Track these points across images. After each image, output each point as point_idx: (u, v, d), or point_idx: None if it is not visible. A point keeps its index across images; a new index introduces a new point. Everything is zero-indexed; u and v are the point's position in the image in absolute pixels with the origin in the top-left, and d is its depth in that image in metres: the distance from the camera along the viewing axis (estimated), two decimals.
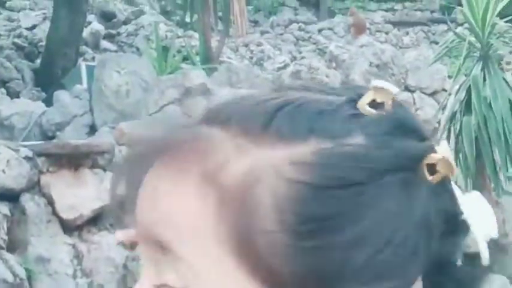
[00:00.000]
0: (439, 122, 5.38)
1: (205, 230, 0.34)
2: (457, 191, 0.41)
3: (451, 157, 0.40)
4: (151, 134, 0.40)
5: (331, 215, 0.33)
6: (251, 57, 9.69)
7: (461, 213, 0.39)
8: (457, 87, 5.16)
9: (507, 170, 4.92)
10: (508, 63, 5.50)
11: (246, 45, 9.92)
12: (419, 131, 0.39)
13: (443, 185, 0.38)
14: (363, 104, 0.36)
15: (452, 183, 0.41)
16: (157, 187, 0.36)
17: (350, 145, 0.34)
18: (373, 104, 0.36)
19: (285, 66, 6.66)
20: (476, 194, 0.43)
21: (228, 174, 0.33)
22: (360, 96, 0.36)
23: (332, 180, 0.33)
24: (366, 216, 0.34)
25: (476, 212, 0.41)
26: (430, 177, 0.37)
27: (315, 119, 0.35)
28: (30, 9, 9.47)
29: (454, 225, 0.39)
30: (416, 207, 0.36)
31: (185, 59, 6.83)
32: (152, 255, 0.37)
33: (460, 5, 5.39)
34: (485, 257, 0.40)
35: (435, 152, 0.37)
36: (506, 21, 5.30)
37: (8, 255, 4.17)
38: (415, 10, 13.92)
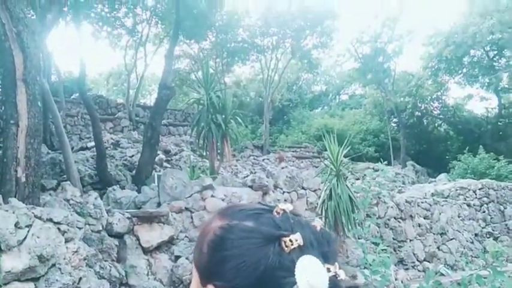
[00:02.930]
0: (317, 204, 8.72)
1: (197, 255, 0.85)
2: (309, 258, 0.74)
3: (299, 240, 0.76)
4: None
5: (222, 248, 0.79)
6: (232, 172, 14.58)
7: (292, 267, 0.73)
8: (325, 188, 8.46)
9: (349, 228, 8.09)
10: (346, 178, 8.96)
11: (230, 166, 14.94)
12: (283, 226, 0.79)
13: (291, 252, 0.74)
14: (274, 211, 0.81)
15: (309, 256, 0.75)
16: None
17: (243, 224, 0.80)
18: (277, 211, 0.82)
19: (247, 176, 9.69)
20: (311, 258, 0.75)
21: (207, 228, 0.85)
22: (272, 209, 0.82)
23: (229, 234, 0.79)
24: (233, 251, 0.77)
25: (305, 271, 0.73)
26: (285, 248, 0.75)
27: (238, 213, 0.84)
28: (131, 148, 13.73)
29: (284, 271, 0.73)
30: (260, 255, 0.74)
31: (202, 172, 10.26)
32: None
33: (325, 150, 9.03)
34: None
35: (288, 237, 0.75)
36: (346, 157, 9.03)
37: (117, 264, 6.60)
38: (306, 152, 22.11)
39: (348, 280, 0.81)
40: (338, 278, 0.78)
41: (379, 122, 29.82)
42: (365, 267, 3.41)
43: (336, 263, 0.80)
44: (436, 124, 31.82)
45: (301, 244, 0.75)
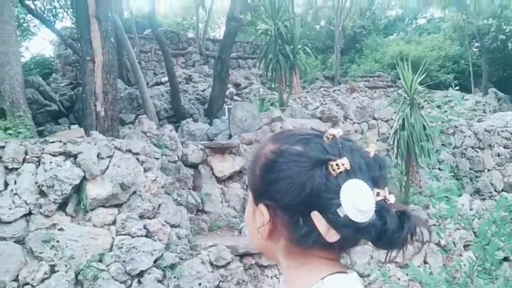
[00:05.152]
0: (389, 135, 8.46)
1: (250, 177, 0.92)
2: (356, 182, 0.78)
3: (345, 165, 0.79)
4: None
5: (272, 170, 0.84)
6: (302, 104, 14.56)
7: (338, 190, 0.77)
8: (398, 117, 8.15)
9: (422, 157, 7.46)
10: (422, 107, 8.41)
11: (299, 98, 15.05)
12: (331, 151, 0.81)
13: (338, 176, 0.78)
14: (324, 136, 0.85)
15: (355, 180, 0.78)
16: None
17: (293, 148, 0.84)
18: (327, 136, 0.84)
19: (317, 108, 9.25)
20: (357, 182, 0.78)
21: (260, 152, 0.90)
22: (323, 134, 0.85)
23: (279, 158, 0.84)
24: (282, 173, 0.83)
25: (350, 193, 0.77)
26: (332, 172, 0.78)
27: (289, 138, 0.88)
28: (202, 82, 14.27)
29: (330, 193, 0.77)
30: (307, 177, 0.79)
31: (272, 104, 10.24)
32: None
33: (399, 78, 8.69)
34: (355, 217, 0.76)
35: (335, 161, 0.78)
36: (422, 85, 8.43)
37: (193, 192, 7.04)
38: (379, 81, 21.04)
39: (399, 205, 0.82)
40: (387, 202, 0.80)
41: (460, 47, 27.88)
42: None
43: (386, 188, 0.82)
44: None
45: (348, 168, 0.78)
